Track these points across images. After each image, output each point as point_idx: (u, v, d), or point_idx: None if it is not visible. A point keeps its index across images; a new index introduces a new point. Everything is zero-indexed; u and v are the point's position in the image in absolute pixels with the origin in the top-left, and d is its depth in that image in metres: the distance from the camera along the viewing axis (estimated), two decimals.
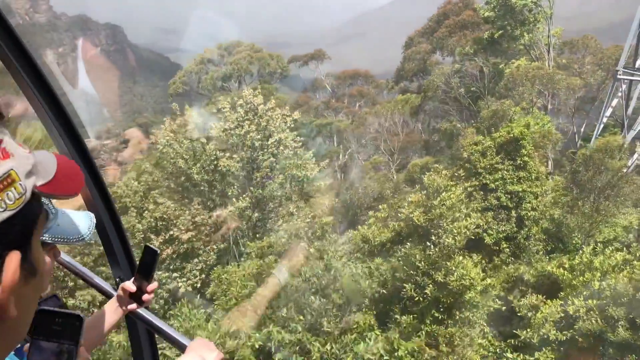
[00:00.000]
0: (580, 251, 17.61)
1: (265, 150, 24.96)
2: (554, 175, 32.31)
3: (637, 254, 16.24)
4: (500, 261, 22.92)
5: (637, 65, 38.41)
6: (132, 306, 2.05)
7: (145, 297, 2.01)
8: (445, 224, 16.41)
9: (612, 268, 15.37)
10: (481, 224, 22.24)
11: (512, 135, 22.78)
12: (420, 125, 45.57)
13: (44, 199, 1.00)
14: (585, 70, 40.76)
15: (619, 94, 36.43)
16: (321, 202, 25.63)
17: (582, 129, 42.78)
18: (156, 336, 2.48)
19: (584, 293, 15.03)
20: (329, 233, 20.30)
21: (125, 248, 2.49)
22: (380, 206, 21.40)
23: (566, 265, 17.35)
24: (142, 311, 2.16)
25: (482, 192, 22.85)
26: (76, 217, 1.57)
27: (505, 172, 22.84)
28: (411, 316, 16.30)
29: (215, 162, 23.56)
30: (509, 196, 22.87)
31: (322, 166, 26.58)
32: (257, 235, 25.13)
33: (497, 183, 22.82)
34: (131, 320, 2.48)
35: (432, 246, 16.84)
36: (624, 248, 18.94)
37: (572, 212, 25.50)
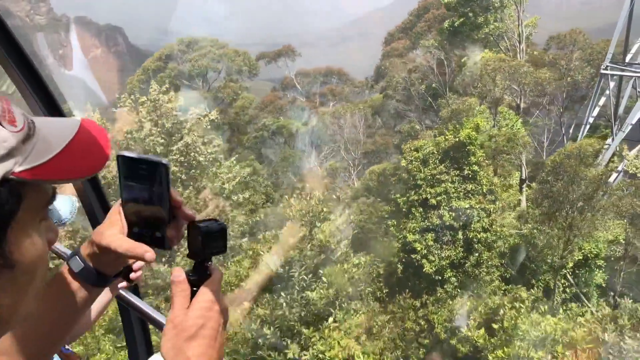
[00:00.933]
0: (502, 311, 13.19)
1: (169, 157, 20.90)
2: (531, 184, 28.60)
3: (576, 320, 11.71)
4: (444, 293, 18.76)
5: (627, 60, 34.79)
6: (122, 284, 1.90)
7: (133, 275, 1.74)
8: (298, 274, 11.48)
9: (542, 341, 10.94)
10: (419, 249, 18.16)
11: (458, 139, 18.52)
12: (396, 126, 41.92)
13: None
14: (573, 67, 37.63)
15: (607, 92, 32.88)
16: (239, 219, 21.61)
17: (571, 130, 40.14)
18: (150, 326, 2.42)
19: None
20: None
21: None
22: (261, 235, 16.56)
23: (490, 328, 12.90)
24: (134, 299, 2.11)
25: (421, 209, 18.65)
26: (58, 200, 1.55)
27: (450, 184, 18.60)
28: None
29: None
30: (455, 214, 18.62)
31: (243, 175, 22.50)
32: (163, 260, 21.21)
33: (440, 198, 18.56)
34: (124, 309, 2.48)
35: (284, 304, 11.16)
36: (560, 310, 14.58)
37: (539, 229, 22.02)
